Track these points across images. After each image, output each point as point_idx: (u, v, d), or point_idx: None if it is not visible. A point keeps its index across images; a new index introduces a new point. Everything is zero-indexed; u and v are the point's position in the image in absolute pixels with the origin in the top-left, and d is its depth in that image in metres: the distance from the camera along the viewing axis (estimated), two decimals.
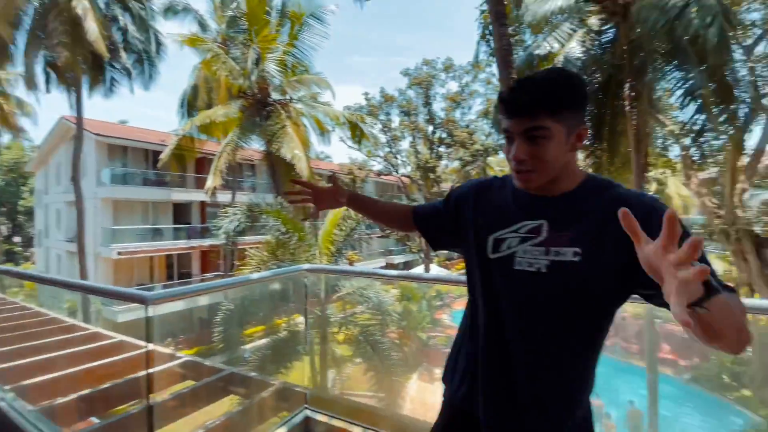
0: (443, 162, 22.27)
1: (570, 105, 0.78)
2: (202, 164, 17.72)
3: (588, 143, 8.28)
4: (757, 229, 8.68)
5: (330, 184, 1.25)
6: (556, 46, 7.88)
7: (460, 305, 13.13)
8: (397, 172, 22.20)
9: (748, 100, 7.25)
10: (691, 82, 6.69)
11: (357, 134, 13.19)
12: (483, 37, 10.37)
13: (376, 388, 6.57)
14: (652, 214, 0.71)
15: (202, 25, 15.77)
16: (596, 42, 7.88)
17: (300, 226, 8.06)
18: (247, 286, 4.32)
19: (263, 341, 6.14)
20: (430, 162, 20.11)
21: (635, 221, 0.56)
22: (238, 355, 6.06)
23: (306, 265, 2.53)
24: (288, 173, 10.41)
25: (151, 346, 1.75)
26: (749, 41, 9.10)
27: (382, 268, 23.32)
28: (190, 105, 16.66)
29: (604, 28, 7.93)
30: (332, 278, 6.14)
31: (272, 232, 8.33)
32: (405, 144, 23.53)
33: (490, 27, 8.06)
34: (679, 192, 16.52)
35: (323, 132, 13.96)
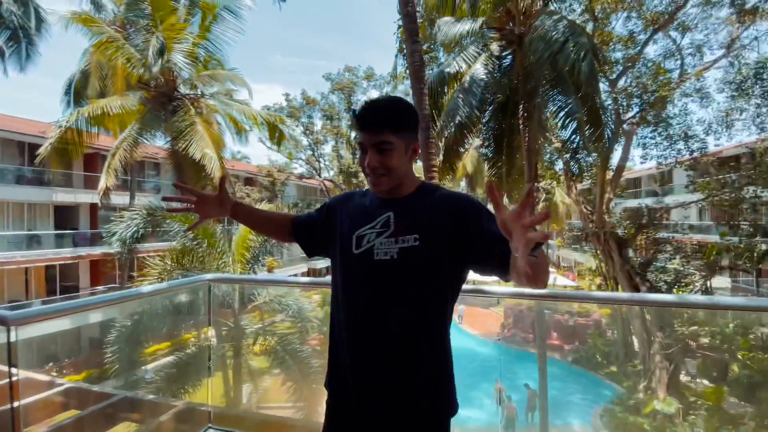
0: None
1: (407, 125, 1.01)
2: (94, 161, 15.59)
3: (490, 156, 9.22)
4: (620, 231, 10.53)
5: (216, 192, 1.22)
6: (465, 66, 8.64)
7: None
8: (319, 175, 22.04)
9: (612, 125, 8.76)
10: (569, 106, 7.86)
11: (276, 136, 12.81)
12: (401, 50, 10.88)
13: (295, 398, 6.45)
14: (471, 204, 1.02)
15: (97, 5, 13.90)
16: (497, 66, 8.81)
17: (211, 231, 7.58)
18: (147, 299, 3.98)
19: (168, 359, 5.66)
20: (353, 167, 20.38)
21: (497, 194, 0.76)
22: (138, 377, 5.50)
23: (209, 275, 2.44)
24: (197, 174, 9.71)
25: (16, 374, 1.55)
26: (613, 76, 10.99)
27: (303, 274, 22.85)
28: (77, 93, 14.54)
29: (503, 54, 8.90)
30: (248, 287, 5.90)
31: (178, 238, 7.69)
32: (328, 148, 23.47)
33: None
34: (563, 200, 19.24)
35: (240, 131, 13.29)
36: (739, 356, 9.22)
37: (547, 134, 9.48)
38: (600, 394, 10.90)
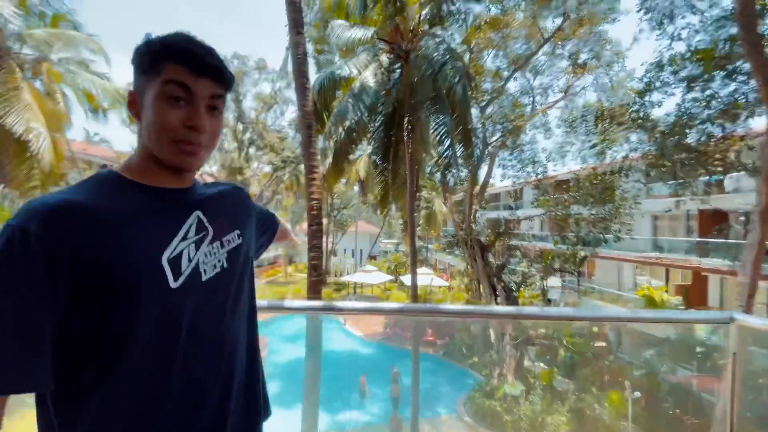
0: (254, 165, 21.38)
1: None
2: None
3: (378, 163, 9.62)
4: (483, 239, 12.12)
5: None
6: (355, 71, 8.86)
7: None
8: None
9: (480, 146, 10.02)
10: (446, 125, 8.68)
11: None
12: None
13: None
14: (243, 190, 0.93)
15: None
16: (387, 77, 9.27)
17: None
18: None
19: None
20: (237, 162, 18.95)
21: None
22: None
23: None
24: (20, 153, 7.70)
25: None
26: (484, 104, 12.65)
27: None
28: None
29: (392, 67, 9.41)
30: None
31: None
32: None
33: None
34: (441, 210, 21.29)
35: (96, 110, 11.13)
36: (565, 342, 11.47)
37: (428, 148, 10.34)
38: (465, 383, 12.16)
